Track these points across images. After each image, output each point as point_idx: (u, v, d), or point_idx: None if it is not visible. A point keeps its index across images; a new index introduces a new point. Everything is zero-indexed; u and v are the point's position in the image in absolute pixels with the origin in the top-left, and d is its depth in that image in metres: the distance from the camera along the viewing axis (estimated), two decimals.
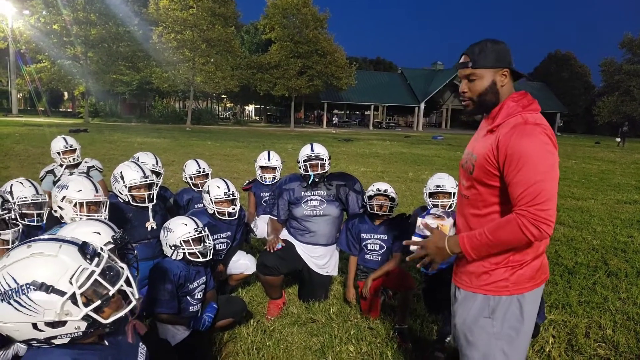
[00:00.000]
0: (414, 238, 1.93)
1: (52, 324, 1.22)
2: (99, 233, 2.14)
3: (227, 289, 3.77)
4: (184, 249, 2.85)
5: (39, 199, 2.94)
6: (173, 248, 2.87)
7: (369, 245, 3.51)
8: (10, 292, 1.18)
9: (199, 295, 2.96)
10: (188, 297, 2.89)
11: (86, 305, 1.23)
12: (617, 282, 4.32)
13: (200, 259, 2.88)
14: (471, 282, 1.77)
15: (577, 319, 3.49)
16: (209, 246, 2.96)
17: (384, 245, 3.47)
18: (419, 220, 1.95)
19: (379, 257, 3.48)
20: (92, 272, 1.25)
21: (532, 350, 2.99)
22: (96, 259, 1.28)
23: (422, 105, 49.22)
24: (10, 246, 2.21)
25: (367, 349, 3.00)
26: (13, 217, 2.34)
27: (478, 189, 1.74)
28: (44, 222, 2.95)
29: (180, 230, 2.87)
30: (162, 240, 2.97)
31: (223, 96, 52.07)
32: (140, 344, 1.56)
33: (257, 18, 43.15)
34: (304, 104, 50.36)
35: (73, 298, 1.22)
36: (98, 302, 1.26)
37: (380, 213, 3.44)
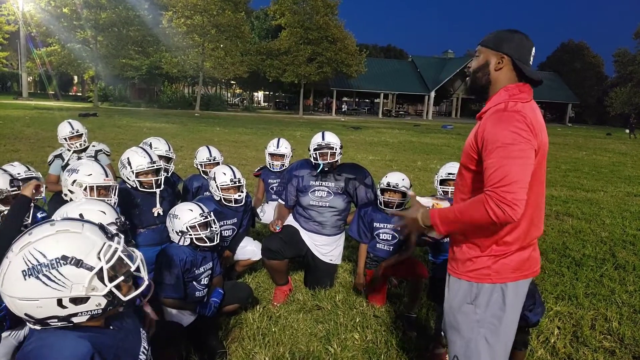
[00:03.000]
0: None
1: (76, 300, 1.24)
2: (104, 212, 2.19)
3: (234, 275, 3.80)
4: (190, 235, 2.86)
5: (32, 174, 2.96)
6: (180, 234, 2.89)
7: (381, 234, 3.49)
8: (39, 267, 1.19)
9: (205, 281, 2.98)
10: (194, 283, 2.91)
11: (110, 281, 1.27)
12: (625, 275, 4.29)
13: (208, 244, 2.90)
14: (457, 268, 1.83)
15: (583, 311, 3.48)
16: (216, 230, 2.97)
17: (396, 235, 3.45)
18: (419, 199, 2.03)
19: (391, 247, 3.47)
20: (116, 249, 1.29)
21: (537, 341, 2.99)
22: (116, 238, 1.33)
23: (432, 94, 48.77)
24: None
25: (372, 336, 3.02)
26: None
27: (463, 174, 1.81)
28: (44, 196, 2.93)
29: (186, 216, 2.88)
30: (168, 227, 2.99)
31: (232, 82, 52.01)
32: (141, 329, 1.58)
33: (267, 4, 42.91)
34: (313, 91, 50.13)
35: (100, 273, 1.25)
36: (122, 278, 1.29)
37: (389, 208, 3.42)
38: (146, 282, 1.37)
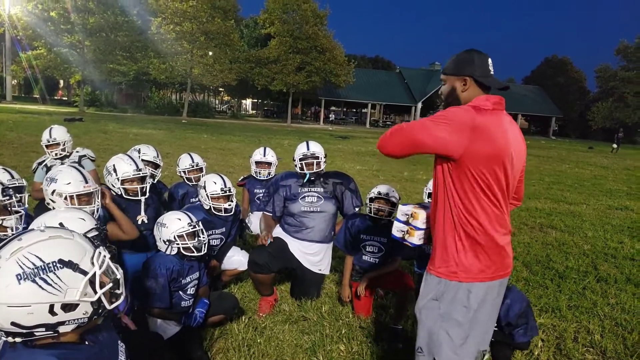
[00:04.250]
0: (395, 223, 2.22)
1: (66, 307, 1.22)
2: (84, 219, 2.18)
3: (220, 284, 3.77)
4: (178, 244, 2.84)
5: (15, 183, 2.88)
6: (167, 243, 2.86)
7: (367, 246, 3.50)
8: (36, 270, 1.17)
9: (191, 291, 2.96)
10: (180, 292, 2.89)
11: (101, 287, 1.27)
12: (607, 288, 4.36)
13: (195, 254, 2.88)
14: (430, 265, 1.93)
15: (566, 324, 3.52)
16: (204, 240, 2.96)
17: (382, 248, 3.47)
18: (399, 207, 2.23)
19: (377, 260, 3.48)
20: (105, 256, 1.30)
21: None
22: (101, 247, 1.34)
23: (420, 105, 49.27)
24: (11, 232, 2.23)
25: (357, 348, 3.01)
26: (14, 203, 2.33)
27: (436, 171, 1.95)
28: (26, 206, 2.88)
29: (174, 225, 2.86)
30: (155, 236, 2.96)
31: (220, 89, 51.86)
32: (119, 342, 1.55)
33: (257, 12, 42.94)
34: (301, 100, 50.28)
35: (92, 279, 1.25)
36: (110, 285, 1.30)
37: (378, 217, 3.44)
38: (123, 294, 1.37)
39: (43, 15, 30.99)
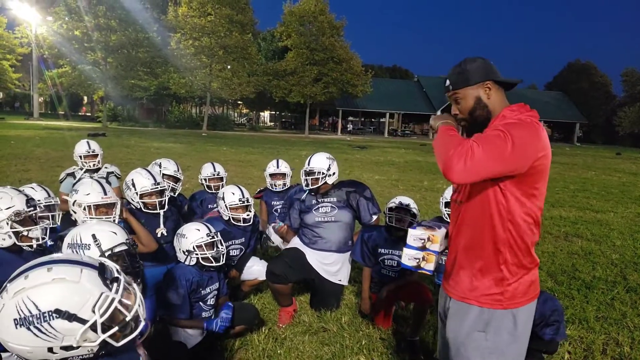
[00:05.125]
0: (406, 250, 1.92)
1: (67, 348, 1.21)
2: (116, 233, 2.22)
3: (240, 294, 3.79)
4: (197, 254, 2.87)
5: (51, 202, 2.97)
6: (186, 253, 2.89)
7: (386, 260, 3.46)
8: (30, 318, 1.16)
9: (211, 302, 2.97)
10: (201, 303, 2.91)
11: (104, 331, 1.22)
12: (637, 298, 4.21)
13: (214, 264, 2.90)
14: (464, 293, 1.75)
15: (594, 335, 3.41)
16: (222, 251, 2.98)
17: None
18: (410, 231, 1.93)
19: (396, 274, 3.44)
20: (113, 299, 1.24)
21: None
22: (115, 285, 1.27)
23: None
24: (38, 242, 2.28)
25: (378, 359, 2.97)
26: (39, 214, 2.39)
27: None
28: (58, 224, 2.99)
29: (193, 236, 2.89)
30: (175, 246, 3.00)
31: (239, 102, 52.52)
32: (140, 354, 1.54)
33: (274, 25, 43.55)
34: (318, 111, 50.48)
35: (93, 326, 1.21)
36: (116, 329, 1.25)
37: (399, 227, 3.40)
38: (142, 323, 1.32)
39: (68, 35, 32.05)
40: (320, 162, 3.60)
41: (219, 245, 2.98)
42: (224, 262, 2.98)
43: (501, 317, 1.69)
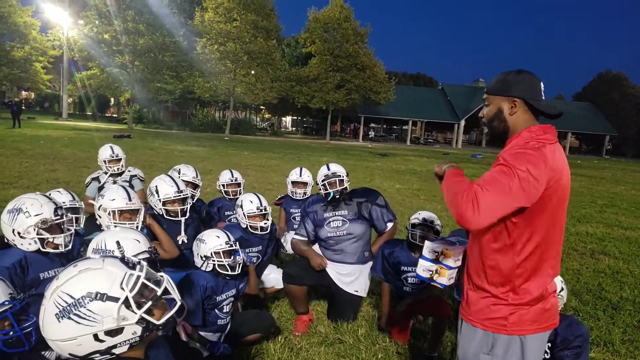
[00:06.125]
0: (421, 261, 1.98)
1: (111, 333, 1.28)
2: (139, 241, 2.26)
3: (260, 300, 3.79)
4: (214, 261, 2.88)
5: (75, 204, 3.03)
6: (204, 259, 2.91)
7: (409, 278, 3.38)
8: (69, 308, 1.25)
9: (227, 309, 2.97)
10: (216, 310, 2.91)
11: (139, 308, 1.29)
12: None
13: (229, 272, 2.90)
14: (471, 315, 1.75)
15: (620, 359, 3.29)
16: (239, 260, 2.98)
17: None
18: (426, 242, 2.00)
19: (418, 291, 3.39)
20: (138, 277, 1.32)
21: None
22: (138, 267, 1.36)
23: (462, 122, 48.42)
24: (63, 249, 2.39)
25: None
26: (66, 222, 2.46)
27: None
28: (82, 227, 3.04)
29: (212, 242, 2.91)
30: (194, 251, 3.02)
31: (261, 107, 53.01)
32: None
33: (298, 32, 43.85)
34: (340, 117, 50.52)
35: (127, 302, 1.28)
36: (150, 303, 1.32)
37: (419, 244, 3.35)
38: (178, 303, 1.39)
39: (97, 38, 33.01)
40: (339, 167, 3.76)
41: (236, 255, 2.98)
42: (239, 271, 2.98)
43: (507, 342, 1.67)
